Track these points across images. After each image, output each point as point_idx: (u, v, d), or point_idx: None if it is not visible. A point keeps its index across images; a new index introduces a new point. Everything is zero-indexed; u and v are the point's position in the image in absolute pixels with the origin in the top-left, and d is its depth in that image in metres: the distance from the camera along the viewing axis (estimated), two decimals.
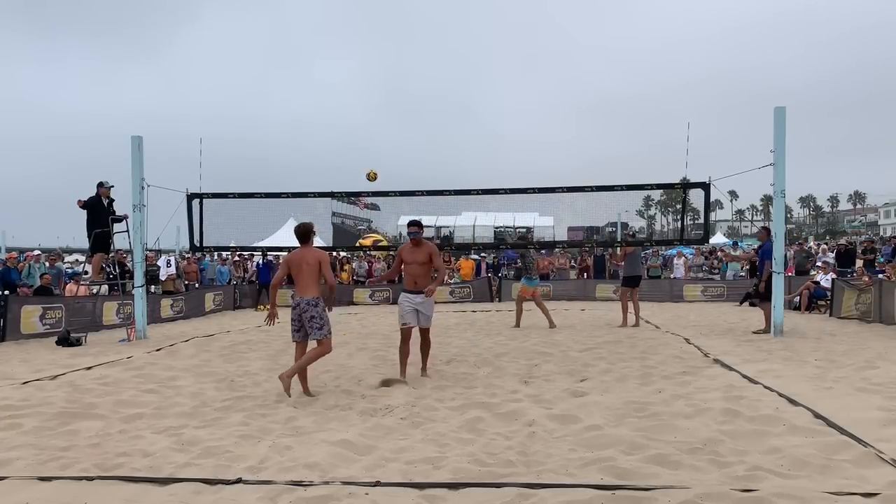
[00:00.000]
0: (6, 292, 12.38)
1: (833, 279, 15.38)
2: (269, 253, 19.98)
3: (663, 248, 26.56)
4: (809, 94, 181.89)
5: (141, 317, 12.03)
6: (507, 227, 36.57)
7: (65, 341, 10.81)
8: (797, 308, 15.87)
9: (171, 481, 3.99)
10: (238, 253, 20.89)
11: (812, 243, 36.00)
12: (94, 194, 12.01)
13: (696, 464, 4.15)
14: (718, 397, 6.00)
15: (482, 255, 24.86)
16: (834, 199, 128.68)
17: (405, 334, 7.31)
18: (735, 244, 29.60)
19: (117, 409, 5.98)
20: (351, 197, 28.20)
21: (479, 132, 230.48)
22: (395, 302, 10.59)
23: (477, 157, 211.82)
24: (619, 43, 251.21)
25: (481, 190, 13.42)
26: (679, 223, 27.24)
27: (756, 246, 14.61)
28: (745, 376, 7.00)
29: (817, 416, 5.20)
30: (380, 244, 27.85)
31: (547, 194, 12.92)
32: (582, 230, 30.45)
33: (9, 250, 22.87)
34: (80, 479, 4.06)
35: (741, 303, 17.30)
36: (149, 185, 11.98)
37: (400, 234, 30.77)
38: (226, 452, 4.59)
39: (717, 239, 39.31)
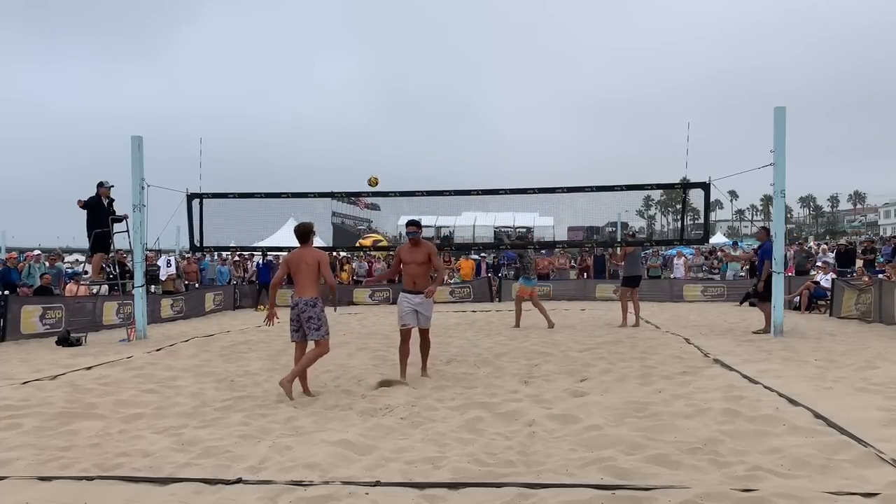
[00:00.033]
0: (6, 292, 12.37)
1: (833, 279, 15.38)
2: (269, 253, 19.99)
3: (663, 248, 26.53)
4: (809, 94, 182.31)
5: (141, 317, 12.03)
6: (507, 228, 36.54)
7: (65, 341, 10.82)
8: (797, 308, 15.86)
9: (171, 481, 3.99)
10: (238, 253, 20.89)
11: (812, 243, 35.98)
12: (94, 194, 12.01)
13: (696, 464, 4.15)
14: (718, 397, 6.00)
15: (482, 255, 24.85)
16: (834, 199, 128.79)
17: (405, 335, 7.30)
18: (735, 244, 29.60)
19: (117, 409, 5.98)
20: (351, 197, 28.22)
21: (479, 132, 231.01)
22: (394, 302, 10.59)
23: (477, 157, 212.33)
24: (619, 43, 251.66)
25: (481, 190, 13.44)
26: (679, 223, 27.27)
27: (756, 246, 14.62)
28: (745, 376, 7.00)
29: (817, 416, 5.20)
30: (380, 244, 27.87)
31: (547, 194, 12.94)
32: (582, 230, 30.49)
33: (9, 250, 22.87)
34: (80, 479, 4.06)
35: (741, 303, 17.30)
36: (149, 185, 11.99)
37: (400, 235, 30.66)
38: (226, 452, 4.59)
39: (717, 239, 39.30)
